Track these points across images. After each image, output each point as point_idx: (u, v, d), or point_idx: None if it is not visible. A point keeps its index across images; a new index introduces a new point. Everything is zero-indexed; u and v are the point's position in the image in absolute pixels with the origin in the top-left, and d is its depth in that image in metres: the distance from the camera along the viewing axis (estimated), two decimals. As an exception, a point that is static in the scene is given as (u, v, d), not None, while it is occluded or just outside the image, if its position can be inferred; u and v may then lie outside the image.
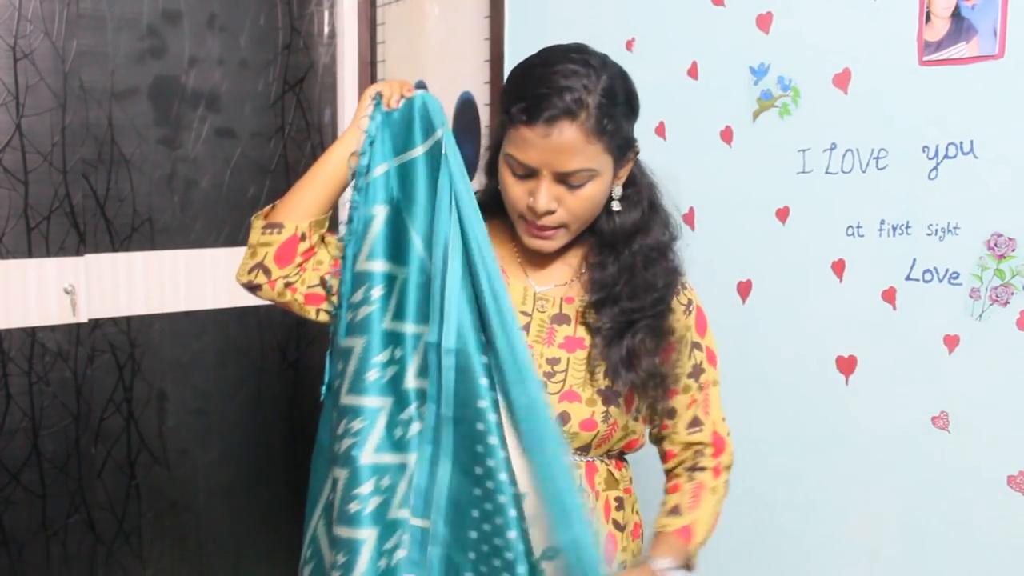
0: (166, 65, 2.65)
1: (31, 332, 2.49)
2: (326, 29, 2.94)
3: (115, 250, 2.60)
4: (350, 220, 1.38)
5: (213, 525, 2.85)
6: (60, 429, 2.56)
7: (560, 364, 1.37)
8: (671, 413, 1.45)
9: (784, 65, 1.81)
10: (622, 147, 1.32)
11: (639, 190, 1.40)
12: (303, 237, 1.38)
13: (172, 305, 2.71)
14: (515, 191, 1.32)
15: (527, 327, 1.39)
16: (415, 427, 1.33)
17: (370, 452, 1.31)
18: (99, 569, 2.64)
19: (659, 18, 2.04)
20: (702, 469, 1.46)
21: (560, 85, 1.25)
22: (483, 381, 1.26)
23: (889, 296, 1.66)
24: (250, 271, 1.40)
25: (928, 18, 1.58)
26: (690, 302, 1.43)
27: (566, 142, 1.25)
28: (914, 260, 1.63)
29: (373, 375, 1.32)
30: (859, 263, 1.70)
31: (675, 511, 1.43)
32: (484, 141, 2.56)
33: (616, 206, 1.37)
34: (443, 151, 1.30)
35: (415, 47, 2.84)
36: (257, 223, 1.40)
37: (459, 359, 1.27)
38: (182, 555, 2.79)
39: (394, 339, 1.33)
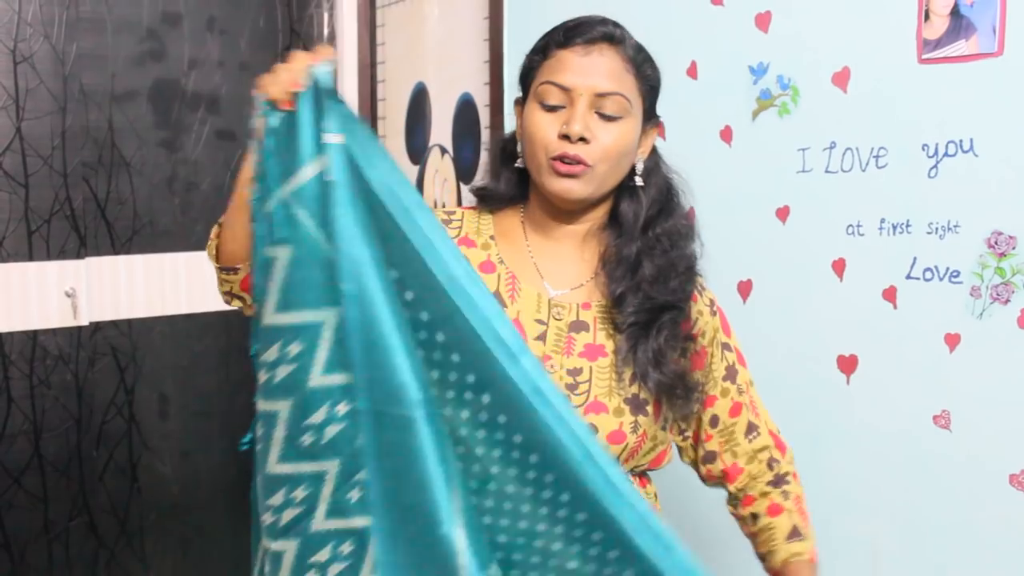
0: (166, 68, 2.66)
1: (32, 335, 2.49)
2: (326, 31, 2.94)
3: (116, 253, 2.60)
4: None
5: (216, 527, 2.85)
6: (61, 432, 2.56)
7: (582, 375, 1.29)
8: (714, 421, 1.38)
9: (783, 64, 1.80)
10: (652, 101, 1.34)
11: (659, 172, 1.38)
12: None
13: (173, 307, 2.71)
14: (545, 126, 1.27)
15: (543, 337, 1.30)
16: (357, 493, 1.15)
17: (322, 519, 1.14)
18: (101, 572, 2.64)
19: (658, 17, 2.04)
20: (787, 479, 1.40)
21: (599, 20, 1.30)
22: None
23: (890, 295, 1.66)
24: (225, 295, 1.35)
25: (927, 16, 1.58)
26: (712, 302, 1.39)
27: (605, 62, 1.27)
28: (914, 259, 1.62)
29: (308, 440, 1.13)
30: (859, 262, 1.70)
31: (795, 534, 1.36)
32: (483, 143, 2.56)
33: (638, 180, 1.34)
34: (332, 177, 1.07)
35: (415, 49, 2.84)
36: (213, 264, 1.33)
37: (377, 422, 1.10)
38: (185, 557, 2.79)
39: (334, 394, 1.11)
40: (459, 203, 2.69)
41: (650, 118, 1.34)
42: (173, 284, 2.70)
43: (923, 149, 1.60)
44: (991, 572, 1.55)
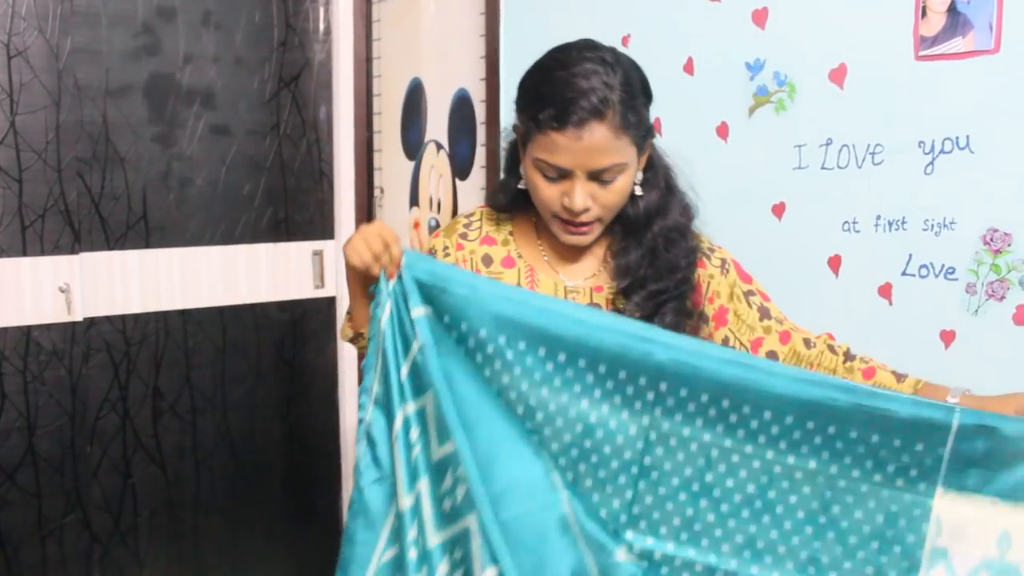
0: (161, 62, 2.65)
1: (26, 331, 2.49)
2: (321, 26, 2.93)
3: (110, 248, 2.59)
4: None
5: (210, 524, 2.84)
6: (55, 428, 2.55)
7: None
8: (772, 356, 1.48)
9: (780, 60, 1.80)
10: (644, 136, 1.38)
11: (657, 172, 1.45)
12: None
13: (168, 303, 2.70)
14: (548, 193, 1.36)
15: None
16: None
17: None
18: (95, 568, 2.63)
19: (655, 14, 2.04)
20: (853, 354, 1.46)
21: (583, 87, 1.30)
22: None
23: (885, 291, 1.66)
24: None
25: (924, 13, 1.58)
26: (723, 261, 1.49)
27: (597, 142, 1.31)
28: (910, 255, 1.62)
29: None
30: (855, 258, 1.70)
31: (902, 376, 1.42)
32: (479, 138, 2.56)
33: (638, 190, 1.42)
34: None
35: (410, 44, 2.83)
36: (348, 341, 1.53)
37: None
38: (179, 554, 2.79)
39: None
40: (455, 199, 2.69)
41: (644, 144, 1.39)
42: (168, 279, 2.69)
43: (919, 146, 1.60)
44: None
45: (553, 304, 1.30)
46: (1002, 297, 1.51)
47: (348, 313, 1.54)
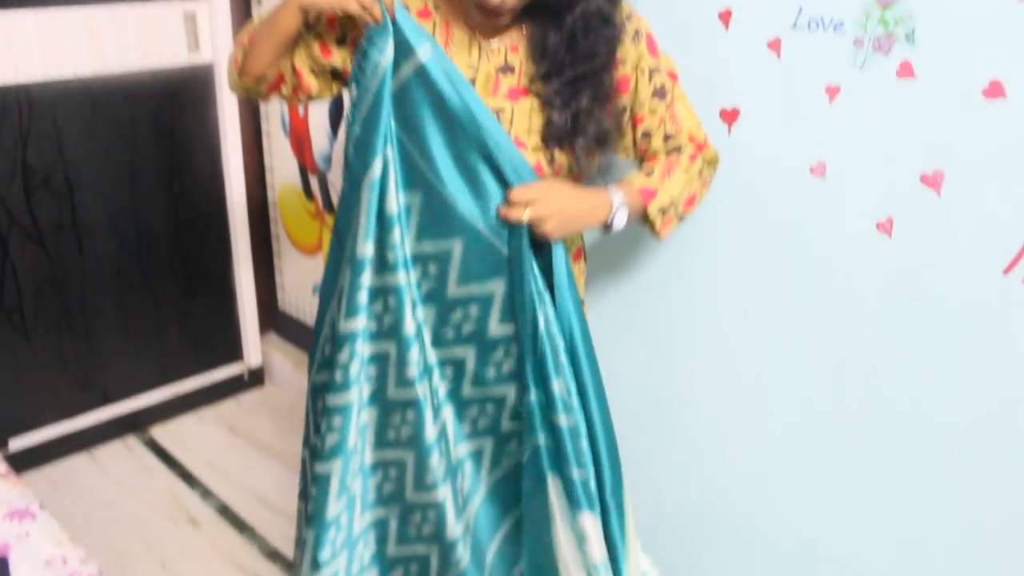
0: None
1: None
2: None
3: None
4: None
5: (98, 298, 2.80)
6: (-82, 206, 2.41)
7: (505, 114, 1.45)
8: (646, 136, 1.57)
9: None
10: None
11: None
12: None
13: (27, 75, 2.50)
14: None
15: (473, 81, 1.45)
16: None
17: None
18: (-19, 348, 2.59)
19: None
20: (679, 151, 1.59)
21: None
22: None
23: (774, 45, 1.65)
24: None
25: None
26: (637, 31, 1.50)
27: None
28: (800, 9, 1.60)
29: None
30: (745, 12, 1.67)
31: (648, 173, 1.56)
32: None
33: None
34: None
35: None
36: (239, 82, 1.53)
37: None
38: (69, 327, 2.75)
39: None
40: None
41: None
42: (24, 47, 2.48)
43: None
44: (854, 305, 1.66)
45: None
46: (888, 51, 1.51)
47: (235, 56, 1.52)
